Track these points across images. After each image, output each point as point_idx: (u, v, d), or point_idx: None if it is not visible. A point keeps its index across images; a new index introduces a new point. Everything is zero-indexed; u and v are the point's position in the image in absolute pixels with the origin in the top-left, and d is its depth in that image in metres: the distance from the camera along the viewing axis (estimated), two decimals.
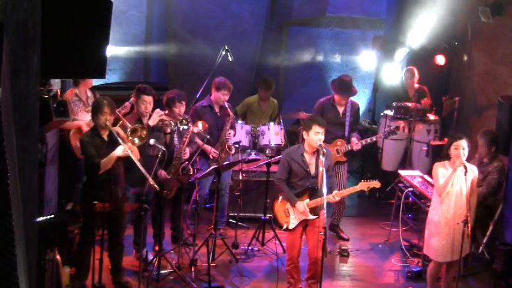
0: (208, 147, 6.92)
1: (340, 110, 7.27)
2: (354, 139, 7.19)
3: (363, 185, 5.65)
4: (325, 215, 5.22)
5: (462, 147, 5.54)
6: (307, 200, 5.56)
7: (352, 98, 7.42)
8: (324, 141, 6.92)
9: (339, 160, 7.10)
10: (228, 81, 7.00)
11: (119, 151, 5.45)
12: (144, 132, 5.60)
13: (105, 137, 5.61)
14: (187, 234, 7.06)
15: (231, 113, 7.05)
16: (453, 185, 5.61)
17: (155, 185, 5.56)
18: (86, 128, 6.37)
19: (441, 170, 5.67)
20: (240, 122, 7.89)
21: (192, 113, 6.98)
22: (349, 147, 7.14)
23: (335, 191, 5.58)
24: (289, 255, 5.76)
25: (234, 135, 7.29)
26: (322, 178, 5.31)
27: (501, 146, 6.38)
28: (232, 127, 7.22)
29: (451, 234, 5.62)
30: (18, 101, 2.61)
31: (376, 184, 5.63)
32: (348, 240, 7.35)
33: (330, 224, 7.38)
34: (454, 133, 6.21)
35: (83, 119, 6.72)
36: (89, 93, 6.96)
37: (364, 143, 7.24)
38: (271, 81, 8.46)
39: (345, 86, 7.22)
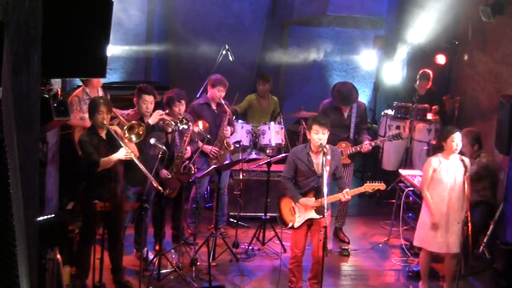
0: (208, 147, 6.92)
1: (345, 112, 7.11)
2: (367, 142, 7.00)
3: (368, 187, 5.67)
4: (326, 214, 5.21)
5: (458, 140, 5.73)
6: (313, 199, 5.56)
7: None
8: (329, 143, 6.92)
9: (343, 162, 7.04)
10: (223, 78, 6.99)
11: (120, 154, 5.46)
12: (141, 129, 5.59)
13: (103, 135, 5.61)
14: (187, 233, 7.06)
15: (227, 110, 7.02)
16: (447, 176, 5.70)
17: (157, 185, 5.55)
18: None
19: (434, 161, 5.82)
20: (240, 121, 7.90)
21: (189, 112, 6.97)
22: (358, 149, 6.96)
23: (346, 190, 5.58)
24: (293, 254, 5.76)
25: (233, 133, 7.26)
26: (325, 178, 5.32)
27: (501, 145, 6.39)
28: (230, 124, 7.19)
29: (443, 228, 5.71)
30: (19, 101, 2.61)
31: (381, 186, 5.67)
32: (348, 243, 7.30)
33: (333, 228, 7.37)
34: (448, 127, 6.31)
35: None
36: (101, 93, 6.97)
37: (373, 144, 7.12)
38: (269, 75, 8.49)
39: (343, 97, 7.03)
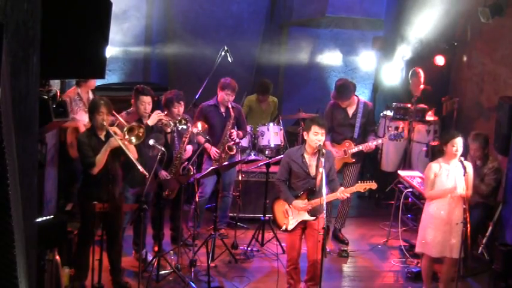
0: (209, 146, 6.92)
1: (350, 111, 7.14)
2: (370, 142, 7.04)
3: (360, 186, 5.65)
4: (324, 215, 5.20)
5: (459, 145, 5.70)
6: (306, 201, 5.55)
7: (363, 99, 7.39)
8: (333, 142, 6.90)
9: (347, 161, 7.06)
10: (232, 82, 6.99)
11: (110, 142, 5.43)
12: (141, 130, 5.57)
13: (102, 137, 5.60)
14: (187, 234, 7.05)
15: (232, 114, 7.02)
16: (447, 181, 5.70)
17: (143, 170, 5.45)
18: (83, 129, 6.39)
19: (435, 166, 5.80)
20: None
21: (198, 111, 7.03)
22: (360, 148, 7.00)
23: (341, 188, 5.54)
24: (289, 256, 5.75)
25: (241, 137, 7.26)
26: (321, 179, 5.31)
27: (500, 146, 6.39)
28: (240, 127, 7.23)
29: (446, 231, 5.70)
30: (18, 102, 2.61)
31: (372, 185, 5.65)
32: (347, 244, 7.28)
33: (333, 229, 7.37)
34: (450, 131, 6.29)
35: (81, 118, 6.74)
36: (91, 95, 6.97)
37: (375, 143, 7.12)
38: (268, 85, 8.41)
39: (338, 90, 7.12)
